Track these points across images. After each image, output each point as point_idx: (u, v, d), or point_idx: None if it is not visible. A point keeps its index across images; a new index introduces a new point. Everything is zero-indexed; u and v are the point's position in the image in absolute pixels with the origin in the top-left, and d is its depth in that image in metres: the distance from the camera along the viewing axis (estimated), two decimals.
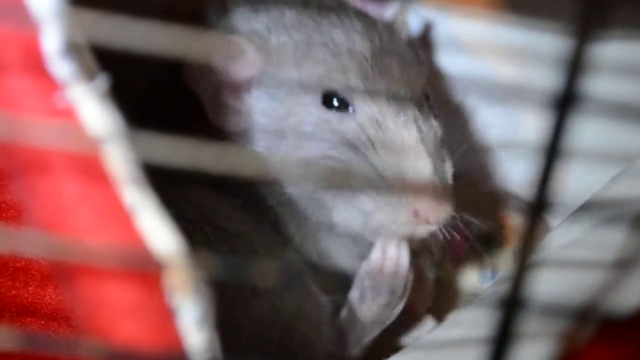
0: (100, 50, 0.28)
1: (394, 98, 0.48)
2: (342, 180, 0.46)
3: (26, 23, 0.28)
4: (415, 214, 0.47)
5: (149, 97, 0.52)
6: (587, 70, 0.24)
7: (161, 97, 0.52)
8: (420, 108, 0.49)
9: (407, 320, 0.55)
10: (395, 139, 0.47)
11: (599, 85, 0.26)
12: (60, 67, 0.29)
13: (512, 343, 0.27)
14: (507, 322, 0.27)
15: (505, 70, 0.58)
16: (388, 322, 0.51)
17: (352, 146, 0.47)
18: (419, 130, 0.48)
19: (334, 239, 0.52)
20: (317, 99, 0.48)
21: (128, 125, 0.29)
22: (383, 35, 0.51)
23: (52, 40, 0.29)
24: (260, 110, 0.49)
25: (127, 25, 0.26)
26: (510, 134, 0.59)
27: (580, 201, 0.45)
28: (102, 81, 0.30)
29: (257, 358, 0.43)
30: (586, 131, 0.39)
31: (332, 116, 0.48)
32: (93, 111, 0.29)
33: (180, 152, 0.27)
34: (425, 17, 0.61)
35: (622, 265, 0.36)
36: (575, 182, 0.50)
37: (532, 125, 0.57)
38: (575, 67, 0.24)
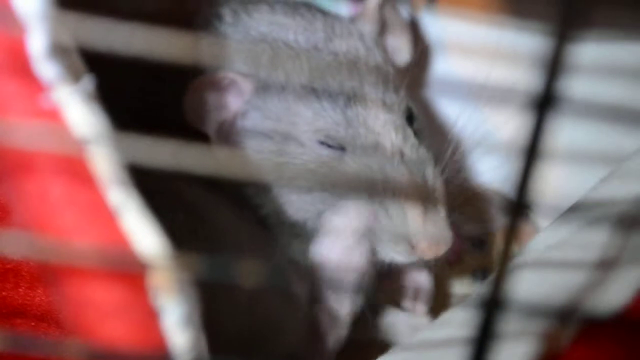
0: (90, 52, 0.28)
1: (376, 115, 0.48)
2: (335, 189, 0.47)
3: (12, 25, 0.29)
4: (413, 247, 0.47)
5: (140, 99, 0.52)
6: (567, 71, 0.24)
7: (152, 99, 0.52)
8: (404, 115, 0.50)
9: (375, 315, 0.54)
10: (385, 151, 0.48)
11: (579, 86, 0.27)
12: (46, 68, 0.29)
13: (493, 343, 0.27)
14: (487, 322, 0.27)
15: (487, 71, 0.58)
16: (346, 318, 0.50)
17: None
18: (406, 140, 0.48)
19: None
20: (314, 140, 0.49)
21: (117, 127, 0.30)
22: (358, 44, 0.51)
23: (37, 42, 0.29)
24: (254, 135, 0.50)
25: (112, 28, 0.26)
26: (490, 135, 0.59)
27: (570, 203, 0.46)
28: (88, 82, 0.30)
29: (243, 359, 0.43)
30: (572, 132, 0.39)
31: (329, 154, 0.48)
32: (78, 112, 0.29)
33: (166, 153, 0.27)
34: (414, 17, 0.61)
35: (605, 266, 0.36)
36: (563, 183, 0.51)
37: (513, 126, 0.57)
38: (554, 67, 0.24)
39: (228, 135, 0.50)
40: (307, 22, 0.52)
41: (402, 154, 0.48)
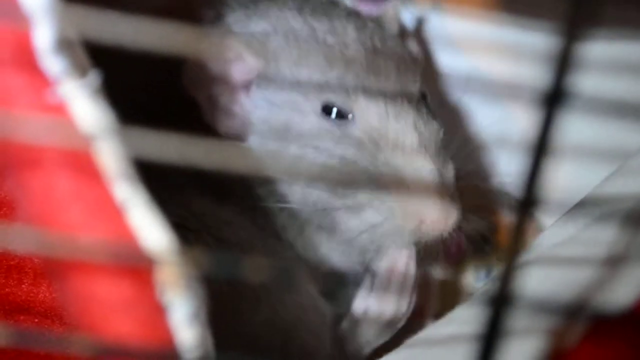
0: (96, 46, 0.28)
1: (392, 100, 0.48)
2: (344, 183, 0.47)
3: (18, 19, 0.29)
4: (422, 222, 0.47)
5: (147, 94, 0.52)
6: (576, 67, 0.24)
7: (159, 94, 0.52)
8: (418, 109, 0.49)
9: (413, 326, 0.55)
10: (395, 142, 0.47)
11: (588, 82, 0.26)
12: (52, 63, 0.29)
13: (501, 340, 0.27)
14: (495, 319, 0.27)
15: (497, 68, 0.58)
16: (394, 331, 0.51)
17: (352, 151, 0.48)
18: (419, 132, 0.48)
19: (334, 244, 0.52)
20: (317, 108, 0.48)
21: (123, 121, 0.29)
22: (375, 36, 0.51)
23: (43, 36, 0.29)
24: (258, 114, 0.49)
25: (118, 22, 0.26)
26: (503, 132, 0.59)
27: (576, 199, 0.46)
28: (94, 77, 0.30)
29: (250, 356, 0.43)
30: (580, 129, 0.39)
31: (331, 124, 0.48)
32: (85, 107, 0.29)
33: (173, 148, 0.27)
34: (419, 15, 0.61)
35: (613, 263, 0.36)
36: (571, 180, 0.50)
37: (524, 123, 0.57)
38: (563, 64, 0.24)
39: (224, 109, 0.50)
40: (324, 14, 0.52)
41: (419, 146, 0.48)
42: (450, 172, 0.49)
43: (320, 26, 0.50)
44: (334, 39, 0.50)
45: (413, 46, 0.57)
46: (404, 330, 0.52)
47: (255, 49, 0.49)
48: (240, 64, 0.49)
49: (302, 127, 0.48)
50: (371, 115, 0.48)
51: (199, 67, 0.48)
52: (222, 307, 0.33)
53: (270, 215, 0.50)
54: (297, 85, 0.48)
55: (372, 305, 0.51)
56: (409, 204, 0.47)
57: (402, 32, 0.56)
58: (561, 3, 0.24)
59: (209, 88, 0.49)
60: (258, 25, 0.51)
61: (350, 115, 0.48)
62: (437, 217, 0.47)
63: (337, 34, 0.50)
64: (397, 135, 0.48)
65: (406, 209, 0.47)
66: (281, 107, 0.49)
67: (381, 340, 0.51)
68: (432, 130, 0.49)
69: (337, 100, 0.48)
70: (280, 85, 0.49)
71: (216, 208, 0.49)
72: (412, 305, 0.51)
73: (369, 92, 0.48)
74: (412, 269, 0.51)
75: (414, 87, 0.51)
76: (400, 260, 0.50)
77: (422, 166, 0.47)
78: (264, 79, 0.49)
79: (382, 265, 0.51)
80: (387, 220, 0.48)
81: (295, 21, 0.51)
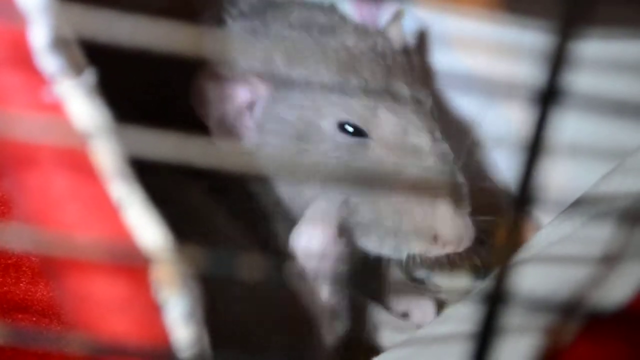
0: (91, 45, 0.28)
1: (406, 111, 0.49)
2: (359, 185, 0.47)
3: (14, 18, 0.29)
4: (436, 238, 0.47)
5: (143, 93, 0.52)
6: (570, 66, 0.24)
7: (155, 92, 0.52)
8: (428, 117, 0.50)
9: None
10: (414, 152, 0.48)
11: (582, 81, 0.27)
12: (48, 61, 0.29)
13: (496, 338, 0.27)
14: (490, 317, 0.27)
15: (492, 67, 0.58)
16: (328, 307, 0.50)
17: (369, 164, 0.48)
18: (435, 141, 0.48)
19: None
20: (333, 125, 0.49)
21: (120, 120, 0.30)
22: (384, 49, 0.52)
23: (39, 35, 0.29)
24: (269, 129, 0.50)
25: (114, 21, 0.26)
26: (500, 131, 0.59)
27: (573, 198, 0.46)
28: (90, 76, 0.30)
29: (247, 355, 0.43)
30: (576, 128, 0.39)
31: (348, 141, 0.48)
32: (80, 106, 0.29)
33: (169, 147, 0.27)
34: (420, 17, 0.61)
35: (609, 261, 0.36)
36: (567, 178, 0.50)
37: (520, 122, 0.57)
38: (558, 62, 0.24)
39: (231, 127, 0.50)
40: (329, 19, 0.52)
41: (430, 150, 0.48)
42: (460, 177, 0.49)
43: (330, 42, 0.51)
44: (344, 53, 0.50)
45: (416, 60, 0.57)
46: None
47: (262, 72, 0.49)
48: (247, 87, 0.49)
49: (317, 145, 0.48)
50: (388, 128, 0.48)
51: (206, 87, 0.49)
52: (215, 302, 0.33)
53: (257, 206, 0.51)
54: (310, 104, 0.49)
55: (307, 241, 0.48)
56: (423, 219, 0.47)
57: (406, 48, 0.56)
58: (556, 2, 0.24)
59: (216, 108, 0.49)
60: (262, 43, 0.51)
61: (366, 130, 0.48)
62: (450, 236, 0.47)
63: (346, 48, 0.50)
64: (415, 145, 0.48)
65: (421, 222, 0.47)
66: (293, 124, 0.49)
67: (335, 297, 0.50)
68: (441, 136, 0.49)
69: (353, 116, 0.48)
70: (291, 106, 0.49)
71: (203, 198, 0.49)
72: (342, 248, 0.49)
73: (384, 106, 0.48)
74: (327, 247, 0.48)
75: (425, 97, 0.51)
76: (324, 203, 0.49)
77: (439, 170, 0.47)
78: (271, 100, 0.49)
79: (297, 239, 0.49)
80: (402, 229, 0.47)
81: (301, 37, 0.51)
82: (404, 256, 0.49)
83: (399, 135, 0.48)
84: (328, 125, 0.49)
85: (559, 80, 0.24)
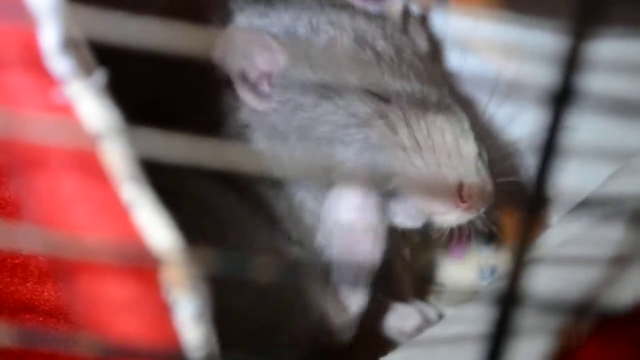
0: (102, 47, 0.28)
1: (424, 101, 0.49)
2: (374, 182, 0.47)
3: (24, 19, 0.29)
4: (461, 188, 0.47)
5: (152, 95, 0.52)
6: (584, 67, 0.24)
7: (165, 94, 0.52)
8: (450, 108, 0.50)
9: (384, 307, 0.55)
10: (443, 140, 0.48)
11: (595, 82, 0.26)
12: (58, 63, 0.29)
13: (509, 339, 0.27)
14: (504, 318, 0.27)
15: (504, 68, 0.58)
16: (367, 280, 0.50)
17: (381, 147, 0.48)
18: (475, 140, 0.49)
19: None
20: (356, 87, 0.49)
21: (128, 121, 0.29)
22: (398, 35, 0.52)
23: (49, 36, 0.29)
24: (283, 107, 0.50)
25: (123, 21, 0.26)
26: (512, 130, 0.59)
27: (579, 198, 0.46)
28: (100, 77, 0.30)
29: (254, 355, 0.43)
30: (584, 128, 0.39)
31: (371, 104, 0.48)
32: (91, 107, 0.29)
33: (179, 148, 0.27)
34: (422, 12, 0.61)
35: (620, 262, 0.36)
36: (574, 179, 0.50)
37: (531, 122, 0.57)
38: (572, 63, 0.24)
39: (253, 86, 0.50)
40: (349, 17, 0.52)
41: (480, 165, 0.48)
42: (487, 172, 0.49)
43: (343, 22, 0.51)
44: (363, 33, 0.50)
45: (422, 40, 0.57)
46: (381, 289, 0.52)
47: (285, 44, 0.49)
48: (267, 54, 0.49)
49: (330, 120, 0.48)
50: (406, 117, 0.48)
51: (231, 42, 0.49)
52: (225, 301, 0.33)
53: (268, 202, 0.51)
54: (326, 87, 0.49)
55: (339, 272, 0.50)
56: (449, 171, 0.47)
57: (408, 22, 0.56)
58: (568, 2, 0.24)
59: (238, 63, 0.50)
60: (286, 19, 0.51)
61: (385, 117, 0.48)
62: (474, 190, 0.47)
63: (362, 29, 0.50)
64: (441, 140, 0.48)
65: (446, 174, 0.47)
66: (309, 102, 0.49)
67: (360, 295, 0.50)
68: (468, 133, 0.49)
69: (371, 105, 0.48)
70: (306, 86, 0.49)
71: (215, 193, 0.49)
72: (381, 252, 0.49)
73: (402, 93, 0.48)
74: (373, 217, 0.49)
75: (442, 85, 0.51)
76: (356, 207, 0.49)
77: (475, 173, 0.47)
78: (291, 73, 0.49)
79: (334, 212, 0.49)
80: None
81: (324, 18, 0.51)
82: (422, 222, 0.49)
83: (418, 128, 0.48)
84: (352, 84, 0.49)
85: (573, 81, 0.24)
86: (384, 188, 0.48)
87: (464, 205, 0.48)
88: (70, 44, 0.29)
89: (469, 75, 0.58)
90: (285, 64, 0.50)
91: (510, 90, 0.51)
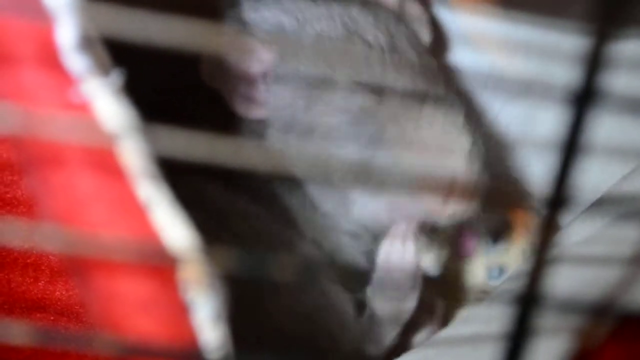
0: (117, 44, 0.28)
1: (417, 98, 0.48)
2: (370, 178, 0.47)
3: (41, 16, 0.28)
4: (453, 184, 0.47)
5: (167, 92, 0.52)
6: (606, 66, 0.24)
7: (179, 92, 0.52)
8: (449, 104, 0.50)
9: (424, 318, 0.55)
10: (438, 140, 0.47)
11: (616, 81, 0.26)
12: (75, 61, 0.29)
13: (529, 339, 0.27)
14: (523, 318, 0.26)
15: (519, 67, 0.58)
16: (402, 320, 0.50)
17: (380, 141, 0.47)
18: (469, 133, 0.48)
19: (340, 234, 0.52)
20: (347, 81, 0.48)
21: (144, 119, 0.29)
22: (394, 28, 0.51)
23: (66, 34, 0.29)
24: (280, 103, 0.49)
25: (140, 19, 0.26)
26: (526, 130, 0.59)
27: (596, 197, 0.45)
28: (117, 76, 0.30)
29: (272, 355, 0.43)
30: (602, 127, 0.39)
31: (363, 97, 0.48)
32: (108, 105, 0.29)
33: (196, 146, 0.27)
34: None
35: (638, 262, 0.36)
36: (592, 177, 0.50)
37: (549, 121, 0.57)
38: (594, 63, 0.24)
39: (245, 95, 0.50)
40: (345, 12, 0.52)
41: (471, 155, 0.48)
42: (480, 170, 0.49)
43: (340, 13, 0.50)
44: (359, 25, 0.50)
45: (423, 28, 0.56)
46: (413, 327, 0.52)
47: (269, 42, 0.49)
48: (255, 57, 0.49)
49: (327, 112, 0.48)
50: (399, 114, 0.48)
51: (216, 61, 0.48)
52: (242, 299, 0.32)
53: (282, 202, 0.51)
54: (320, 80, 0.48)
55: (378, 287, 0.50)
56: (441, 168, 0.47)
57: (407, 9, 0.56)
58: (590, 2, 0.24)
59: (227, 80, 0.49)
60: (274, 14, 0.51)
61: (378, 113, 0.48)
62: (467, 180, 0.47)
63: (360, 21, 0.50)
64: (431, 135, 0.48)
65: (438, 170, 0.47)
66: (304, 95, 0.49)
67: (395, 328, 0.51)
68: (462, 127, 0.49)
69: (362, 99, 0.48)
70: (300, 79, 0.49)
71: (229, 194, 0.49)
72: (416, 299, 0.50)
73: (397, 90, 0.48)
74: (410, 253, 0.50)
75: (435, 77, 0.51)
76: (396, 243, 0.50)
77: (456, 166, 0.47)
78: (283, 68, 0.49)
79: (381, 249, 0.50)
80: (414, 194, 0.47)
81: (314, 8, 0.51)
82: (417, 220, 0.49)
83: (411, 126, 0.48)
84: (342, 79, 0.48)
85: (595, 81, 0.24)
86: (377, 185, 0.48)
87: (455, 200, 0.48)
88: (87, 42, 0.29)
89: (475, 72, 0.58)
90: (273, 62, 0.49)
91: (526, 88, 0.51)
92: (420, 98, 0.48)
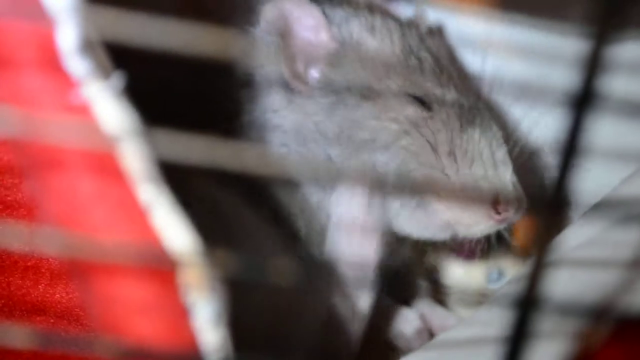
0: (118, 47, 0.28)
1: (463, 108, 0.49)
2: (410, 190, 0.47)
3: (42, 20, 0.28)
4: (497, 199, 0.47)
5: (167, 96, 0.52)
6: (605, 69, 0.24)
7: (180, 96, 0.52)
8: (486, 118, 0.50)
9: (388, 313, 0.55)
10: (480, 152, 0.48)
11: (615, 84, 0.26)
12: (76, 64, 0.29)
13: (528, 342, 0.27)
14: (522, 321, 0.26)
15: (519, 70, 0.58)
16: (362, 314, 0.50)
17: (417, 155, 0.48)
18: (507, 146, 0.49)
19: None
20: (402, 94, 0.49)
21: (145, 123, 0.29)
22: (430, 42, 0.52)
23: (67, 37, 0.29)
24: (323, 102, 0.49)
25: (141, 23, 0.26)
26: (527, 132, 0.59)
27: (595, 200, 0.45)
28: (118, 79, 0.30)
29: (266, 357, 0.43)
30: (602, 130, 0.39)
31: (414, 109, 0.48)
32: (109, 109, 0.29)
33: (196, 150, 0.27)
34: (435, 17, 0.61)
35: (637, 265, 0.36)
36: (591, 181, 0.50)
37: (548, 124, 0.57)
38: (593, 66, 0.24)
39: (291, 56, 0.50)
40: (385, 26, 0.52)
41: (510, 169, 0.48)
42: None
43: (393, 29, 0.51)
44: (407, 45, 0.50)
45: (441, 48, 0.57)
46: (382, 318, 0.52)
47: (334, 29, 0.49)
48: (315, 35, 0.49)
49: (370, 132, 0.48)
50: (447, 124, 0.48)
51: (279, 14, 0.49)
52: (244, 303, 0.32)
53: (279, 205, 0.50)
54: (370, 88, 0.49)
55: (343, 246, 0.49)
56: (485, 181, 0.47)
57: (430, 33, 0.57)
58: (589, 4, 0.24)
59: (282, 35, 0.50)
60: (333, 16, 0.51)
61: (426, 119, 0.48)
62: (513, 195, 0.48)
63: (408, 41, 0.51)
64: (481, 143, 0.48)
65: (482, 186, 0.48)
66: (348, 105, 0.49)
67: (361, 321, 0.51)
68: (500, 138, 0.50)
69: (413, 111, 0.48)
70: (351, 84, 0.49)
71: (225, 196, 0.49)
72: (380, 251, 0.49)
73: (444, 102, 0.49)
74: (371, 249, 0.49)
75: (475, 95, 0.51)
76: (354, 206, 0.49)
77: (506, 179, 0.48)
78: (332, 71, 0.49)
79: (338, 210, 0.49)
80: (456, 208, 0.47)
81: (372, 21, 0.51)
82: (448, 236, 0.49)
83: (458, 136, 0.48)
84: (396, 91, 0.49)
85: (594, 84, 0.24)
86: (413, 196, 0.48)
87: (498, 217, 0.48)
88: (88, 45, 0.29)
89: (485, 76, 0.58)
90: (330, 48, 0.50)
91: (527, 92, 0.51)
92: (468, 114, 0.49)
